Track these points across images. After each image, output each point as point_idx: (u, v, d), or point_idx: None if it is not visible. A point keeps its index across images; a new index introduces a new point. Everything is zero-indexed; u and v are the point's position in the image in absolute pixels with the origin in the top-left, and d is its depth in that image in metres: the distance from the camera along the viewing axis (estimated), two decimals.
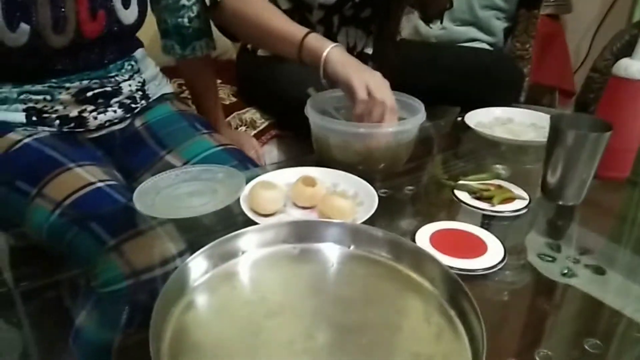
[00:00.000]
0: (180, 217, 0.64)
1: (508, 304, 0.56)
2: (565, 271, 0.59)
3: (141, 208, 0.64)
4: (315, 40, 0.80)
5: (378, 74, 0.78)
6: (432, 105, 1.19)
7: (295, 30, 0.82)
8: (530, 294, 0.58)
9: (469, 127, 0.94)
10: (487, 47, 1.50)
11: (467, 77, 1.14)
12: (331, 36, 1.11)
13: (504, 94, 1.12)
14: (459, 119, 1.00)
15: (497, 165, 0.84)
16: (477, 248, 0.60)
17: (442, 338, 0.45)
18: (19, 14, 0.67)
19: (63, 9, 0.69)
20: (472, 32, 1.52)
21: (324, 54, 0.78)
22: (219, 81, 1.19)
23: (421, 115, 0.79)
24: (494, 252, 0.59)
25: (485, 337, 0.40)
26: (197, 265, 0.51)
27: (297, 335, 0.45)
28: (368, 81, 0.74)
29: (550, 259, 0.61)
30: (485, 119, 1.00)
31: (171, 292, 0.47)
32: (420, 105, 0.82)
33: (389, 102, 0.75)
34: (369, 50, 1.17)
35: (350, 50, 1.14)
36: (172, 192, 0.70)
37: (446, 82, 1.16)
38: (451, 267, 0.51)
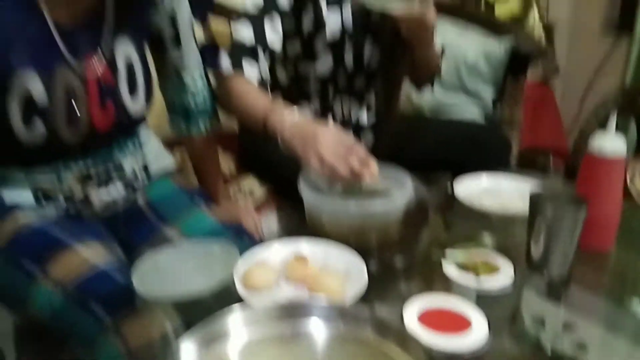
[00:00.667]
0: (177, 297, 0.66)
1: None
2: (549, 346, 0.60)
3: (140, 288, 0.67)
4: (275, 116, 0.87)
5: (330, 132, 0.82)
6: (425, 171, 1.24)
7: (261, 106, 0.90)
8: None
9: (458, 199, 0.98)
10: (476, 113, 1.56)
11: (457, 147, 1.18)
12: (327, 107, 1.18)
13: (492, 162, 1.16)
14: (449, 188, 1.04)
15: (486, 236, 0.87)
16: (463, 323, 0.62)
17: None
18: (36, 115, 0.72)
19: (76, 107, 0.74)
20: (462, 99, 1.59)
21: (281, 132, 0.85)
22: (219, 149, 1.25)
23: (408, 190, 0.83)
24: (478, 328, 0.61)
25: None
26: (187, 347, 0.53)
27: None
28: (317, 150, 0.79)
29: (533, 334, 0.63)
30: (475, 189, 1.03)
31: None
32: (407, 179, 0.86)
33: (350, 151, 0.79)
34: (364, 120, 1.23)
35: (346, 121, 1.20)
36: (170, 270, 0.73)
37: (438, 151, 1.21)
38: (436, 347, 0.53)
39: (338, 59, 1.10)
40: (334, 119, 1.19)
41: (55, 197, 0.81)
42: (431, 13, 0.98)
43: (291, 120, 0.85)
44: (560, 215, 0.71)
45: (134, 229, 0.88)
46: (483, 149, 1.16)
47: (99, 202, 0.84)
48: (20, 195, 0.79)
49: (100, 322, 0.66)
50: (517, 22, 2.09)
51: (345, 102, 1.18)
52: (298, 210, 0.98)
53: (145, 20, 0.84)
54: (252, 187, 1.20)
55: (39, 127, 0.73)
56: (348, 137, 0.82)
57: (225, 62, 0.97)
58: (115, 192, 0.85)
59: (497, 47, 1.55)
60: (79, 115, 0.75)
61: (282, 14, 1.01)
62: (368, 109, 1.23)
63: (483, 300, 0.68)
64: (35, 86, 0.71)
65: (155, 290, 0.68)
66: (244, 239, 0.86)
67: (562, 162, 2.04)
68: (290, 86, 1.15)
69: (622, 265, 0.83)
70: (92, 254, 0.74)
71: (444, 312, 0.65)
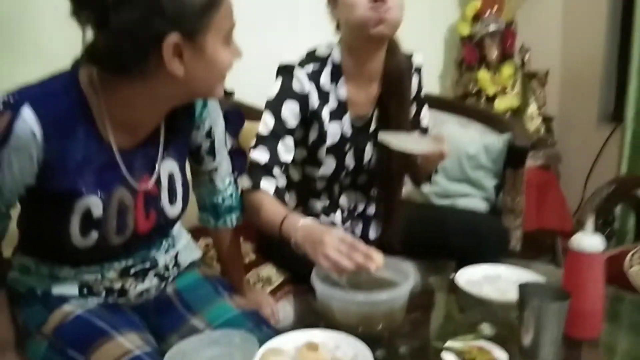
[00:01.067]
0: None
1: None
2: None
3: None
4: (288, 223, 1.02)
5: (333, 235, 0.93)
6: (429, 258, 1.32)
7: (276, 215, 1.05)
8: None
9: (460, 288, 1.06)
10: (480, 201, 1.67)
11: (459, 236, 1.27)
12: (334, 201, 1.30)
13: (492, 250, 1.25)
14: (452, 276, 1.12)
15: (484, 324, 0.94)
16: None
17: None
18: (92, 227, 0.84)
19: (125, 219, 0.87)
20: (466, 188, 1.71)
21: (294, 236, 0.99)
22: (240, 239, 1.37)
23: (412, 280, 0.92)
24: None
25: None
26: None
27: None
28: (324, 252, 0.91)
29: None
30: (475, 277, 1.12)
31: None
32: (410, 269, 0.96)
33: (353, 248, 0.90)
34: (371, 211, 1.34)
35: (352, 211, 1.32)
36: (195, 357, 0.82)
37: (442, 239, 1.30)
38: None
39: (339, 161, 1.24)
40: (342, 212, 1.31)
41: (98, 290, 0.92)
42: (445, 148, 1.11)
43: (302, 225, 0.98)
44: (546, 308, 0.79)
45: (163, 317, 0.97)
46: (483, 239, 1.25)
47: (134, 293, 0.95)
48: (68, 290, 0.90)
49: None
50: (516, 114, 2.26)
51: (350, 196, 1.31)
52: (312, 296, 1.07)
53: (186, 139, 0.98)
54: (270, 274, 1.29)
55: (93, 235, 0.84)
56: (350, 237, 0.93)
57: (245, 182, 1.12)
58: (149, 283, 0.96)
59: (496, 141, 1.68)
60: (127, 224, 0.87)
61: (292, 132, 1.17)
62: (373, 201, 1.35)
63: None
64: (95, 206, 0.83)
65: None
66: (262, 329, 0.94)
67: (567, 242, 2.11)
68: (301, 185, 1.29)
69: (611, 351, 0.89)
70: (128, 343, 0.83)
71: None
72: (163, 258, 0.99)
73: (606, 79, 2.31)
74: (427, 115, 1.38)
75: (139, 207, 0.88)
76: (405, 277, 0.95)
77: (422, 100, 1.35)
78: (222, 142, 1.04)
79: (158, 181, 0.91)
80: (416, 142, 1.16)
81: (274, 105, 1.16)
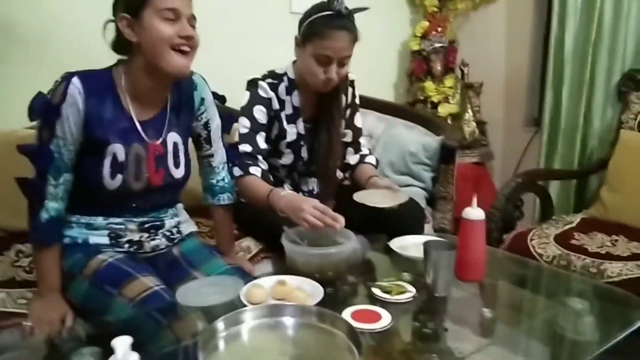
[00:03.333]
0: (206, 305, 1.09)
1: (389, 346, 1.00)
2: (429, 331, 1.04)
3: (182, 302, 1.10)
4: (272, 197, 1.38)
5: (308, 202, 1.30)
6: (367, 233, 1.63)
7: (262, 191, 1.42)
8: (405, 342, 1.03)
9: (393, 250, 1.43)
10: (419, 190, 2.06)
11: (390, 216, 1.56)
12: (296, 186, 1.68)
13: (411, 226, 1.56)
14: (387, 242, 1.48)
15: (405, 273, 1.30)
16: (376, 317, 1.06)
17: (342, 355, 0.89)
18: (117, 171, 1.19)
19: (141, 167, 1.22)
20: (409, 179, 2.09)
21: (278, 206, 1.35)
22: None
23: (353, 242, 1.28)
24: (385, 320, 1.05)
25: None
26: (216, 327, 0.95)
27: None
28: (303, 216, 1.27)
29: (419, 324, 1.07)
30: (405, 243, 1.47)
31: (202, 339, 0.90)
32: (352, 235, 1.31)
33: (324, 213, 1.27)
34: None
35: (310, 191, 1.70)
36: (199, 292, 1.15)
37: (376, 218, 1.61)
38: (356, 327, 0.96)
39: (297, 154, 1.63)
40: (303, 193, 1.69)
41: (122, 241, 1.25)
42: (402, 197, 1.47)
43: (284, 195, 1.35)
44: (439, 255, 1.16)
45: (171, 271, 1.31)
46: (405, 217, 1.56)
47: (148, 246, 1.29)
48: (101, 239, 1.24)
49: (158, 323, 1.08)
50: (456, 119, 2.66)
51: (307, 181, 1.70)
52: (281, 259, 1.42)
53: (188, 124, 1.35)
54: (249, 244, 1.65)
55: (118, 178, 1.19)
56: (322, 205, 1.30)
57: (237, 171, 1.49)
58: (159, 240, 1.31)
59: (432, 141, 2.07)
60: (142, 172, 1.23)
61: (264, 128, 1.55)
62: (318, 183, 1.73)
63: (392, 308, 1.12)
64: (120, 152, 1.19)
65: (191, 302, 1.10)
66: (246, 277, 1.29)
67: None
68: (269, 172, 1.64)
69: (489, 288, 1.28)
70: (149, 282, 1.15)
71: (367, 312, 1.08)
72: (169, 222, 1.33)
73: (530, 90, 2.73)
74: (359, 118, 1.77)
75: (150, 160, 1.24)
76: (348, 239, 1.31)
77: (355, 106, 1.74)
78: (218, 135, 1.41)
79: (165, 147, 1.27)
80: (383, 198, 1.48)
81: (248, 110, 1.55)
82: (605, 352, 0.98)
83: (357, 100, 1.76)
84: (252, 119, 1.54)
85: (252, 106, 1.55)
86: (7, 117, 1.63)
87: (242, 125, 1.54)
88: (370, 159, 1.76)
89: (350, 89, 1.71)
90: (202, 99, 1.35)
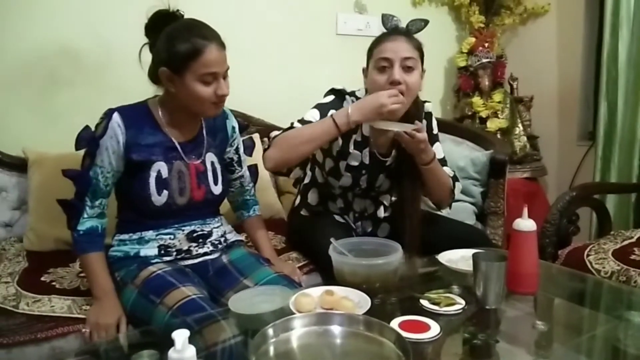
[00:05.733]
0: (256, 312, 1.11)
1: (438, 357, 0.99)
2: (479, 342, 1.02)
3: (234, 309, 1.13)
4: (338, 115, 1.41)
5: (379, 95, 1.38)
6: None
7: (323, 121, 1.43)
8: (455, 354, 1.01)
9: (441, 263, 1.41)
10: (469, 206, 2.02)
11: (450, 240, 1.51)
12: (348, 204, 1.67)
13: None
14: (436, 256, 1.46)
15: (455, 286, 1.29)
16: (425, 328, 1.05)
17: None
18: (163, 187, 1.28)
19: (184, 183, 1.31)
20: (458, 195, 2.05)
21: (350, 117, 1.39)
22: (272, 233, 1.76)
23: (399, 253, 1.28)
24: (434, 330, 1.03)
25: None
26: (266, 333, 0.97)
27: None
28: (383, 109, 1.37)
29: (469, 335, 1.05)
30: (454, 257, 1.45)
31: (253, 344, 0.93)
32: (398, 247, 1.31)
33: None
34: (380, 213, 1.69)
35: (362, 213, 1.68)
36: (250, 300, 1.18)
37: (435, 242, 1.53)
38: (405, 336, 0.95)
39: (355, 180, 1.60)
40: (355, 213, 1.68)
41: (170, 251, 1.32)
42: (420, 131, 1.42)
43: (352, 104, 1.41)
44: (489, 266, 1.14)
45: (221, 279, 1.36)
46: (468, 244, 1.47)
47: (197, 254, 1.35)
48: (151, 250, 1.31)
49: (192, 329, 1.11)
50: (505, 134, 2.61)
51: (361, 202, 1.68)
52: (325, 274, 1.43)
53: (223, 148, 1.45)
54: (297, 257, 1.67)
55: (164, 194, 1.28)
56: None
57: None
58: (207, 248, 1.37)
59: (481, 156, 2.04)
60: (185, 188, 1.31)
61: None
62: (384, 207, 1.68)
63: (442, 318, 1.10)
64: (163, 169, 1.28)
65: (242, 310, 1.13)
66: (294, 285, 1.31)
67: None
68: (323, 186, 1.66)
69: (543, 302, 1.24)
70: (188, 291, 1.19)
71: (415, 323, 1.07)
72: (215, 231, 1.39)
73: (584, 103, 2.65)
74: (440, 148, 1.66)
75: (192, 176, 1.33)
76: (395, 251, 1.31)
77: (434, 137, 1.65)
78: (244, 158, 1.53)
79: (204, 163, 1.36)
80: (397, 126, 1.45)
81: (323, 107, 1.52)
82: None
83: (435, 131, 1.68)
84: (322, 116, 1.49)
85: (330, 107, 1.51)
86: (70, 139, 1.73)
87: (311, 114, 1.51)
88: (457, 186, 1.68)
89: (425, 122, 1.61)
90: (233, 127, 1.48)
